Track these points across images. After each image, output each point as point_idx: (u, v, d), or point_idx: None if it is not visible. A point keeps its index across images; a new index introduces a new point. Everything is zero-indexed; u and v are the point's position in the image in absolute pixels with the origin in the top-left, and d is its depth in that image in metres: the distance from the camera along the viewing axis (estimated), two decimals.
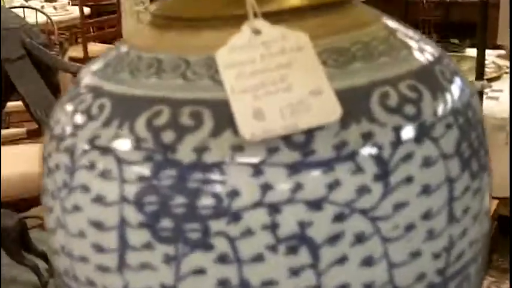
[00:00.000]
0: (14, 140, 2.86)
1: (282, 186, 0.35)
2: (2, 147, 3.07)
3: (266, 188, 0.35)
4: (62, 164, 0.40)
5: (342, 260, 0.36)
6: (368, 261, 0.36)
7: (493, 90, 2.64)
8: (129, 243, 0.37)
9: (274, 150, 0.35)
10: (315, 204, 0.35)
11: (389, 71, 0.39)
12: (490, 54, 3.14)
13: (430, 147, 0.38)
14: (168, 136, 0.36)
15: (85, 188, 0.38)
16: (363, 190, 0.36)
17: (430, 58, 0.42)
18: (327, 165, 0.35)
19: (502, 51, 3.22)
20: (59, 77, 2.00)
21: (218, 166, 0.35)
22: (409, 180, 0.37)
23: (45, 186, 0.42)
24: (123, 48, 0.44)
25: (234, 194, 0.35)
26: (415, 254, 0.38)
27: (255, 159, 0.35)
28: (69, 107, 0.42)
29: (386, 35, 0.42)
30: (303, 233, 0.35)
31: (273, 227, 0.35)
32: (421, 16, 4.04)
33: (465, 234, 0.40)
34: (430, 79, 0.41)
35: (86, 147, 0.38)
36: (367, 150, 0.36)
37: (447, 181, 0.38)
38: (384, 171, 0.36)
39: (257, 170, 0.35)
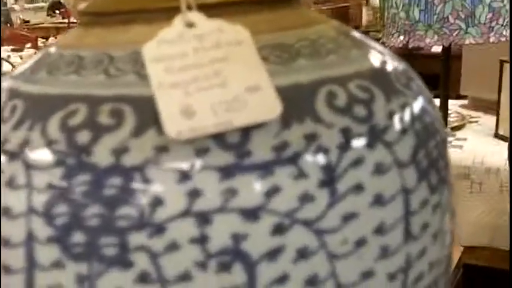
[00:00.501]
0: None
1: (213, 192, 0.30)
2: None
3: (194, 194, 0.30)
4: None
5: (283, 279, 0.31)
6: (313, 281, 0.32)
7: (457, 139, 2.65)
8: (37, 262, 0.32)
9: (203, 151, 0.31)
10: (251, 214, 0.30)
11: (338, 69, 0.35)
12: (454, 104, 3.17)
13: (383, 152, 0.34)
14: (83, 137, 0.31)
15: None
16: (306, 198, 0.31)
17: (385, 61, 0.39)
18: (265, 168, 0.31)
19: (465, 101, 3.26)
20: None
21: (139, 170, 0.30)
22: (359, 188, 0.32)
23: None
24: (49, 49, 0.40)
25: (157, 202, 0.30)
26: (367, 274, 0.33)
27: (181, 162, 0.30)
28: None
29: (335, 35, 0.39)
30: (237, 247, 0.30)
31: (202, 240, 0.30)
32: None
33: (424, 253, 0.36)
34: (383, 81, 0.37)
35: None
36: (311, 153, 0.32)
37: (403, 192, 0.34)
38: (330, 177, 0.32)
39: (184, 174, 0.30)
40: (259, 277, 0.31)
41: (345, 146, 0.32)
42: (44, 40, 4.33)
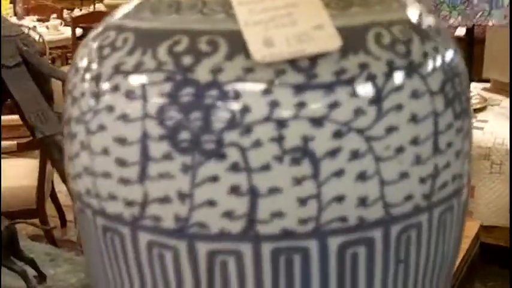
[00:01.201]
0: (4, 153, 2.87)
1: (288, 104, 0.40)
2: None
3: (274, 105, 0.40)
4: (88, 90, 0.44)
5: (339, 173, 0.41)
6: (362, 176, 0.41)
7: (478, 121, 2.72)
8: (150, 155, 0.41)
9: (281, 72, 0.40)
10: (317, 121, 0.40)
11: (383, 16, 0.45)
12: (476, 87, 3.23)
13: (418, 82, 0.43)
14: (187, 60, 0.41)
15: (110, 109, 0.43)
16: (359, 112, 0.40)
17: (420, 13, 0.48)
18: (328, 87, 0.40)
19: (487, 85, 3.31)
20: (53, 86, 2.04)
21: (232, 85, 0.40)
22: (399, 107, 0.42)
23: (68, 116, 0.47)
24: None
25: (245, 109, 0.40)
26: (404, 175, 0.42)
27: (264, 80, 0.40)
28: (94, 44, 0.46)
29: None
30: (306, 146, 0.40)
31: (279, 140, 0.40)
32: None
33: (449, 166, 0.45)
34: (419, 28, 0.46)
35: (111, 72, 0.43)
36: (364, 78, 0.41)
37: (433, 114, 0.43)
38: (377, 97, 0.41)
39: (266, 89, 0.40)
40: (322, 170, 0.40)
41: (389, 74, 0.42)
42: (69, 11, 4.42)
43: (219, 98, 0.40)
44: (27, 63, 1.83)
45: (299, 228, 0.40)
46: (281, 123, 0.40)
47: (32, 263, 1.63)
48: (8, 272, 1.60)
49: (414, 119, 0.42)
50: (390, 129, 0.41)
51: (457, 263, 1.69)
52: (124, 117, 0.42)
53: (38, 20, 4.05)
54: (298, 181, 0.40)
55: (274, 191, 0.40)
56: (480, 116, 2.79)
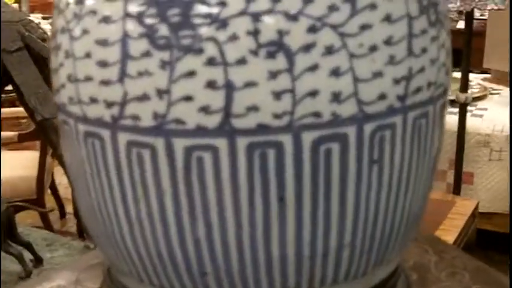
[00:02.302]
0: (5, 144, 2.89)
1: None
2: None
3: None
4: (72, 0, 0.46)
5: (314, 68, 0.42)
6: (336, 72, 0.42)
7: (478, 109, 2.74)
8: (129, 54, 0.42)
9: None
10: (292, 16, 0.41)
11: None
12: (477, 77, 3.25)
13: None
14: None
15: (93, 12, 0.44)
16: (333, 7, 0.42)
17: None
18: None
19: (488, 75, 3.33)
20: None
21: None
22: (373, 6, 0.43)
23: (54, 30, 0.48)
24: None
25: (222, 4, 0.41)
26: (378, 74, 0.43)
27: None
28: None
29: None
30: (281, 40, 0.41)
31: (255, 33, 0.41)
32: None
33: (423, 71, 0.46)
34: None
35: None
36: None
37: (407, 16, 0.44)
38: None
39: None
40: (297, 65, 0.41)
41: None
42: None
43: None
44: (29, 48, 1.85)
45: (274, 123, 0.41)
46: (256, 17, 0.41)
47: (29, 247, 1.64)
48: (5, 255, 1.61)
49: (388, 19, 0.43)
50: (364, 27, 0.42)
51: (453, 239, 1.70)
52: (105, 20, 0.43)
53: (43, 18, 4.08)
54: (273, 75, 0.41)
55: (249, 84, 0.41)
56: (480, 104, 2.80)
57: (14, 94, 2.22)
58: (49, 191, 2.92)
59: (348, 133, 0.43)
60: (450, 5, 1.83)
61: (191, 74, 0.41)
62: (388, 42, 0.43)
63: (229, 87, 0.41)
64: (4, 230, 1.59)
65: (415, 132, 0.46)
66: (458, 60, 2.30)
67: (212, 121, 0.41)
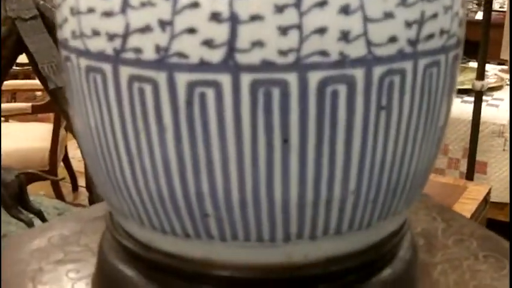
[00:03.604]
0: (19, 114, 2.90)
1: None
2: (10, 124, 3.13)
3: None
4: None
5: (322, 3, 0.40)
6: (345, 9, 0.41)
7: (494, 99, 2.72)
8: (130, 3, 0.41)
9: None
10: None
11: None
12: (494, 68, 3.23)
13: None
14: None
15: None
16: None
17: None
18: None
19: (505, 66, 3.31)
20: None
21: None
22: None
23: None
24: None
25: None
26: (389, 15, 0.42)
27: None
28: None
29: None
30: None
31: None
32: None
33: (436, 17, 0.44)
34: None
35: None
36: None
37: None
38: None
39: None
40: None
41: None
42: None
43: None
44: (43, 16, 1.85)
45: (279, 60, 0.40)
46: None
47: (40, 214, 1.65)
48: (16, 222, 1.61)
49: None
50: None
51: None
52: None
53: None
54: (280, 9, 0.40)
55: (255, 18, 0.40)
56: (496, 94, 2.78)
57: (29, 67, 2.22)
58: (62, 164, 2.94)
59: (355, 75, 0.41)
60: None
61: (195, 5, 0.40)
62: None
63: (234, 20, 0.40)
64: (15, 197, 1.59)
65: (425, 80, 0.45)
66: (477, 50, 2.27)
67: (216, 55, 0.40)
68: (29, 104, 2.88)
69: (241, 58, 0.40)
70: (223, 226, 0.45)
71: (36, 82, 2.53)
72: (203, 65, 0.41)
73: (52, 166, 2.61)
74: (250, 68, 0.40)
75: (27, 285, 0.59)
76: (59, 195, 2.61)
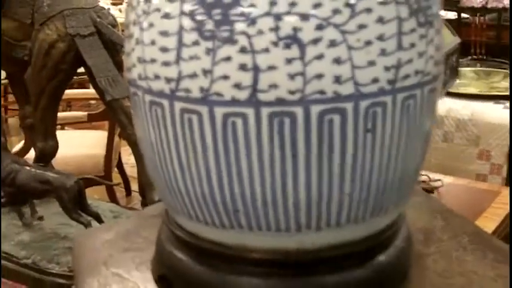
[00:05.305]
0: (75, 123, 3.08)
1: (284, 2, 0.54)
2: (66, 131, 3.30)
3: (273, 4, 0.55)
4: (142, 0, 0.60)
5: (320, 57, 0.55)
6: (338, 60, 0.55)
7: None
8: (184, 43, 0.57)
9: None
10: (305, 17, 0.55)
11: None
12: None
13: None
14: None
15: (157, 10, 0.59)
16: (336, 11, 0.55)
17: None
18: None
19: None
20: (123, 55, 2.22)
21: None
22: (369, 10, 0.56)
23: (127, 21, 0.63)
24: None
25: (252, 5, 0.55)
26: (372, 63, 0.57)
27: None
28: None
29: None
30: (295, 35, 0.55)
31: (276, 29, 0.55)
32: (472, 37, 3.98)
33: (411, 62, 0.59)
34: None
35: None
36: None
37: (397, 18, 0.57)
38: (350, 2, 0.55)
39: None
40: (307, 54, 0.55)
41: None
42: None
43: (234, 2, 0.55)
44: (100, 33, 2.02)
45: (289, 97, 0.55)
46: (277, 17, 0.54)
47: (97, 217, 1.81)
48: (76, 224, 1.77)
49: (381, 20, 0.56)
50: (361, 26, 0.56)
51: (493, 228, 1.76)
52: (166, 16, 0.58)
53: (112, 4, 4.30)
54: (289, 61, 0.55)
55: (271, 68, 0.55)
56: None
57: (84, 76, 2.39)
58: (116, 170, 3.08)
59: (346, 107, 0.56)
60: (505, 1, 1.92)
61: (228, 59, 0.55)
62: (380, 38, 0.57)
63: (256, 70, 0.55)
64: (75, 201, 1.75)
65: (404, 110, 0.59)
66: None
67: (243, 95, 0.56)
68: (85, 113, 3.05)
69: (262, 96, 0.55)
70: (250, 219, 0.60)
71: (90, 91, 2.67)
72: (234, 102, 0.56)
73: (107, 172, 2.77)
74: (268, 104, 0.56)
75: (101, 268, 0.75)
76: (113, 200, 2.76)
